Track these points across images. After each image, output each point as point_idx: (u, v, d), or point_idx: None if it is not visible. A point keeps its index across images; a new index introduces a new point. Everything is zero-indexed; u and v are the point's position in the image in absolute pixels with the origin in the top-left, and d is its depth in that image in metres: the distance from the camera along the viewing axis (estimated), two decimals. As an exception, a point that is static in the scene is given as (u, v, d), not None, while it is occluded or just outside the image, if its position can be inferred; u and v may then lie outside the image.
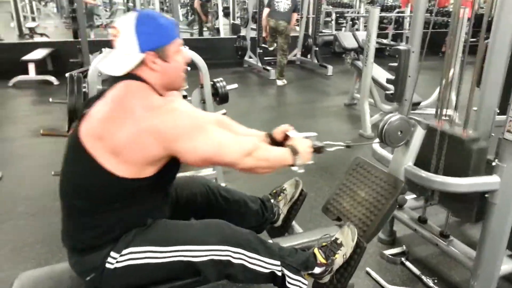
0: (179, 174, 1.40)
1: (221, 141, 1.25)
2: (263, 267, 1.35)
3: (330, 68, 6.88)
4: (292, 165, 1.44)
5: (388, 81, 3.05)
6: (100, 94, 1.26)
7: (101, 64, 1.25)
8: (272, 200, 1.80)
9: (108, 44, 1.61)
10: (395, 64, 2.83)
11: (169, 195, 1.45)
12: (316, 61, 7.27)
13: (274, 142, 1.58)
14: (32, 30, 9.08)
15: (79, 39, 5.00)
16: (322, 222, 1.98)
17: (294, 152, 1.43)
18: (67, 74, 2.44)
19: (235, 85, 2.76)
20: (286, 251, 1.44)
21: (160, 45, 1.22)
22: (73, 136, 1.22)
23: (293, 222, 1.88)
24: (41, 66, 6.05)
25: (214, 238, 1.30)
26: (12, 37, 9.18)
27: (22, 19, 9.87)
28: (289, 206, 1.85)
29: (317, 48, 7.26)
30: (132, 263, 1.23)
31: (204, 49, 6.59)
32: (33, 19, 11.37)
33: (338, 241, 1.52)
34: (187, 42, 2.59)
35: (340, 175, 1.89)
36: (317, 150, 1.56)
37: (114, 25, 1.23)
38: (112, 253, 1.23)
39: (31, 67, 5.85)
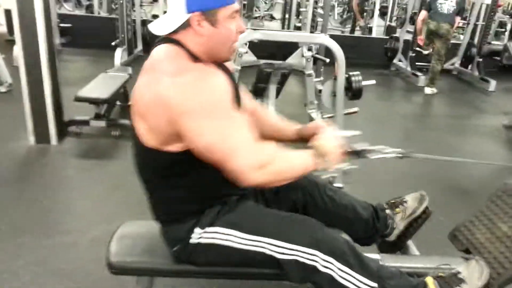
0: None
1: (235, 140, 1.06)
2: (354, 284, 1.18)
3: (492, 83, 5.99)
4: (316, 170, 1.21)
5: None
6: None
7: (151, 24, 1.18)
8: (387, 211, 1.58)
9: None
10: None
11: None
12: (477, 74, 6.40)
13: (304, 139, 1.37)
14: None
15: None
16: (446, 251, 1.68)
17: (319, 154, 1.20)
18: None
19: (373, 81, 2.53)
20: (388, 273, 1.23)
21: (210, 7, 1.09)
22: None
23: (409, 242, 1.64)
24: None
25: (303, 238, 1.17)
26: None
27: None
28: (408, 222, 1.60)
29: (480, 59, 6.38)
30: (215, 242, 1.20)
31: (352, 47, 6.37)
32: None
33: (460, 276, 1.25)
34: (336, 38, 2.49)
35: (483, 201, 1.56)
36: (354, 154, 1.28)
37: None
38: (196, 229, 1.20)
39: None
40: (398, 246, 1.62)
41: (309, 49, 2.90)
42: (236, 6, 1.14)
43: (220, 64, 1.21)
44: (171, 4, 1.12)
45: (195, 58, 1.12)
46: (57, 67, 3.06)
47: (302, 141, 1.38)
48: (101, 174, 2.72)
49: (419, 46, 5.99)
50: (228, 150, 1.04)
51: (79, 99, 3.12)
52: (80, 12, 8.00)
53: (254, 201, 1.33)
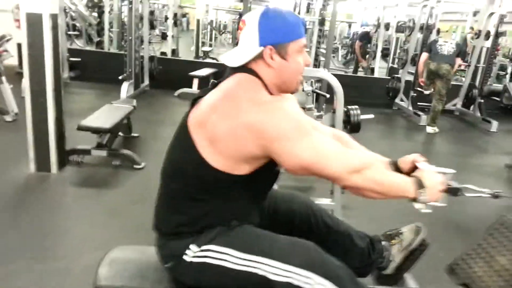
0: (283, 189, 1.31)
1: (325, 150, 1.12)
2: None
3: (494, 124, 6.01)
4: (414, 200, 1.21)
5: None
6: (214, 86, 1.26)
7: (223, 56, 1.25)
8: (383, 242, 1.56)
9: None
10: None
11: (261, 203, 1.37)
12: (478, 114, 6.45)
13: (399, 172, 1.36)
14: (205, 54, 10.29)
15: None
16: (444, 286, 1.64)
17: (420, 185, 1.20)
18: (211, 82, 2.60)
19: (371, 115, 2.56)
20: None
21: (281, 41, 1.17)
22: (182, 121, 1.23)
23: (407, 275, 1.59)
24: (203, 82, 6.73)
25: (298, 260, 1.16)
26: (189, 58, 10.52)
27: (200, 44, 11.27)
28: (404, 255, 1.57)
29: (482, 101, 6.45)
30: (208, 261, 1.18)
31: (354, 86, 6.49)
32: (210, 45, 12.90)
33: (456, 309, 1.20)
34: (339, 78, 2.55)
35: (480, 235, 1.54)
36: (452, 191, 1.29)
37: (243, 19, 1.23)
38: (192, 246, 1.19)
39: (195, 82, 6.55)
40: (395, 279, 1.58)
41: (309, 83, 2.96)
42: (304, 41, 1.22)
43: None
44: (244, 37, 1.19)
45: (269, 90, 1.19)
46: (62, 98, 3.13)
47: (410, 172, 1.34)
48: (99, 202, 2.71)
49: (420, 86, 6.09)
50: (323, 161, 1.11)
51: (82, 128, 3.16)
52: (91, 48, 8.25)
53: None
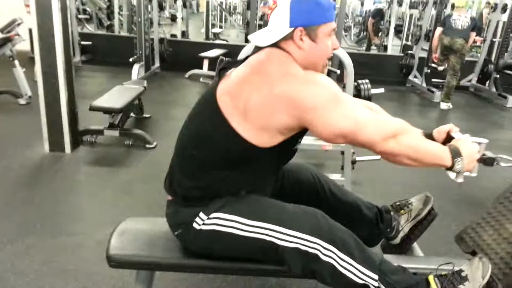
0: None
1: (359, 117, 1.14)
2: (355, 275, 1.16)
3: (510, 99, 5.88)
4: (450, 168, 1.20)
5: None
6: (243, 60, 1.26)
7: (252, 35, 1.25)
8: (392, 213, 1.56)
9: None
10: None
11: (274, 178, 1.38)
12: (494, 90, 6.31)
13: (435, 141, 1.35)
14: (216, 35, 10.22)
15: (250, 42, 5.38)
16: (452, 255, 1.63)
17: (456, 154, 1.19)
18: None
19: (382, 90, 2.53)
20: (390, 267, 1.21)
21: (312, 23, 1.18)
22: (208, 92, 1.24)
23: (414, 244, 1.59)
24: (213, 63, 6.70)
25: (306, 226, 1.17)
26: (199, 39, 10.46)
27: (210, 26, 11.18)
28: (413, 224, 1.57)
29: (497, 76, 6.29)
30: (217, 228, 1.20)
31: (367, 64, 6.40)
32: (220, 27, 12.79)
33: (463, 274, 1.21)
34: (352, 56, 2.51)
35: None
36: (486, 161, 1.28)
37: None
38: (201, 214, 1.21)
39: (205, 63, 6.52)
40: (403, 249, 1.58)
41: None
42: (334, 24, 1.23)
43: None
44: (275, 18, 1.20)
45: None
46: (73, 79, 3.16)
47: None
48: (111, 181, 2.76)
49: (434, 62, 5.97)
50: (356, 128, 1.12)
51: (94, 109, 3.19)
52: (102, 32, 8.27)
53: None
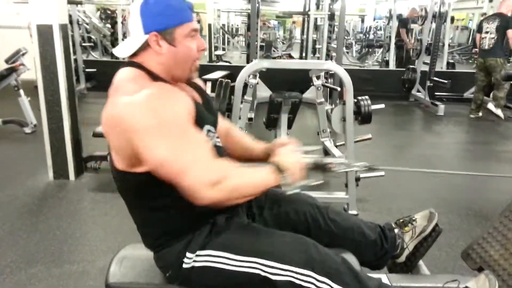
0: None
1: (190, 156, 1.03)
2: None
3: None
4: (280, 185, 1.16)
5: None
6: None
7: (115, 48, 1.21)
8: (396, 230, 1.53)
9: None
10: None
11: None
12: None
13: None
14: (219, 57, 10.37)
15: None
16: (461, 271, 1.59)
17: (279, 169, 1.14)
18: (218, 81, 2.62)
19: (382, 105, 2.52)
20: None
21: (166, 26, 1.11)
22: None
23: (420, 262, 1.56)
24: (215, 85, 6.76)
25: (298, 258, 1.13)
26: (202, 62, 10.62)
27: (213, 48, 11.35)
28: (418, 241, 1.53)
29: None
30: (209, 265, 1.16)
31: (368, 80, 6.42)
32: (223, 49, 12.98)
33: (469, 291, 1.17)
34: (352, 72, 2.51)
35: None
36: (318, 167, 1.21)
37: (128, 8, 1.21)
38: (188, 253, 1.17)
39: (208, 85, 6.58)
40: (409, 267, 1.55)
41: (318, 78, 2.95)
42: (194, 24, 1.16)
43: (190, 82, 1.25)
44: (130, 27, 1.15)
45: (155, 77, 1.13)
46: (76, 107, 3.20)
47: (270, 158, 1.30)
48: (115, 207, 2.75)
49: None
50: (181, 167, 1.01)
51: (97, 135, 3.21)
52: (107, 59, 8.42)
53: (245, 219, 1.30)
